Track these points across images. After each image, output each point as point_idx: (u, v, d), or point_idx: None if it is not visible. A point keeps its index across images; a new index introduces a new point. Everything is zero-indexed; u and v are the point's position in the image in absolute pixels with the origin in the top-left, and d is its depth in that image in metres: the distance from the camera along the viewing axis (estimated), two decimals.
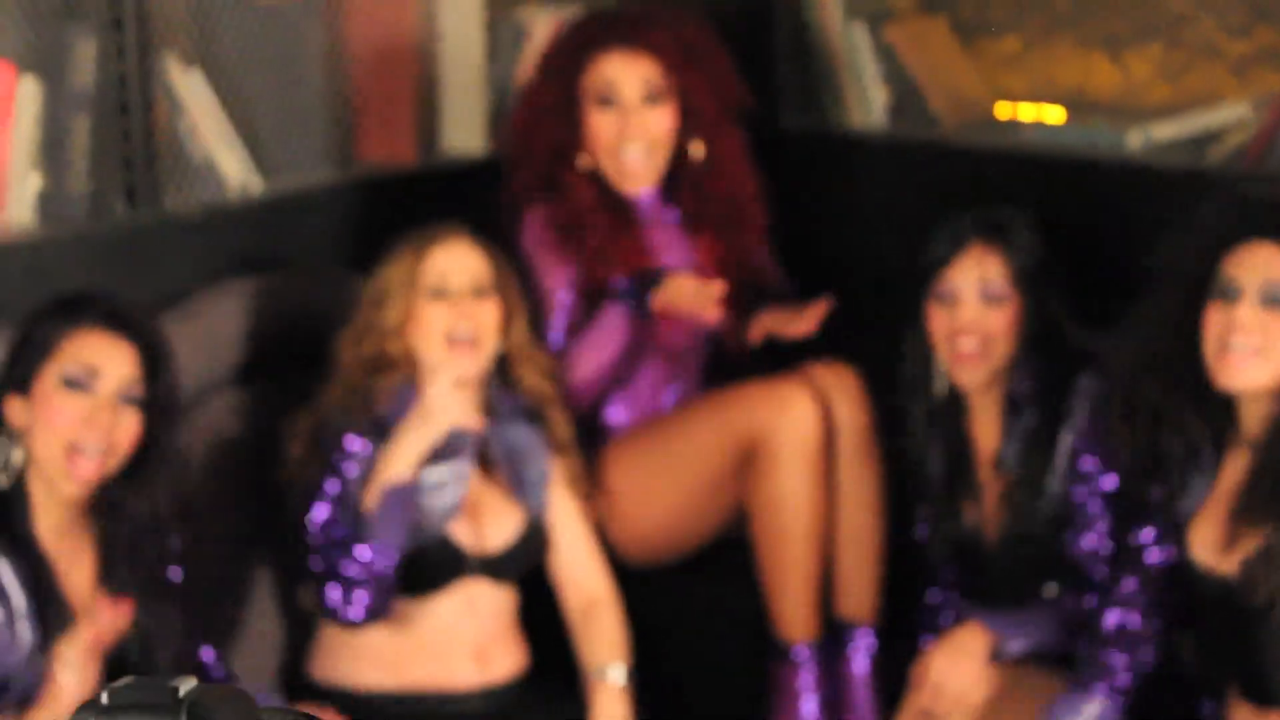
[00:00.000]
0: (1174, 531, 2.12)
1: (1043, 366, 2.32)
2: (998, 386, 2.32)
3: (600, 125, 2.42)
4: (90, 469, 1.93)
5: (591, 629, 2.31)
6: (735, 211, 2.49)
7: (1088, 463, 2.31)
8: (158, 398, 2.02)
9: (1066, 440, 2.32)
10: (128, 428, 1.95)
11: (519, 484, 2.30)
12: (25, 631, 1.92)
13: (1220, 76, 2.67)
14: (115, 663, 2.02)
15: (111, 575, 2.00)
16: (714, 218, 2.47)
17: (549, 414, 2.31)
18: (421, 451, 2.20)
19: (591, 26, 2.50)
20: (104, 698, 0.63)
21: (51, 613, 1.96)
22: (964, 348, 2.26)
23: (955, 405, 2.32)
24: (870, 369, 2.46)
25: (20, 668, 1.85)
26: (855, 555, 2.36)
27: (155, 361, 2.06)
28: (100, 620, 2.00)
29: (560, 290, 2.47)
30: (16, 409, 1.94)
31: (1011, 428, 2.34)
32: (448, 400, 2.19)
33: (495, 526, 2.24)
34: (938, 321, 2.26)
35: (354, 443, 2.19)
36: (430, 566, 2.22)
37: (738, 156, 2.47)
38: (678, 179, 2.48)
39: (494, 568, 2.25)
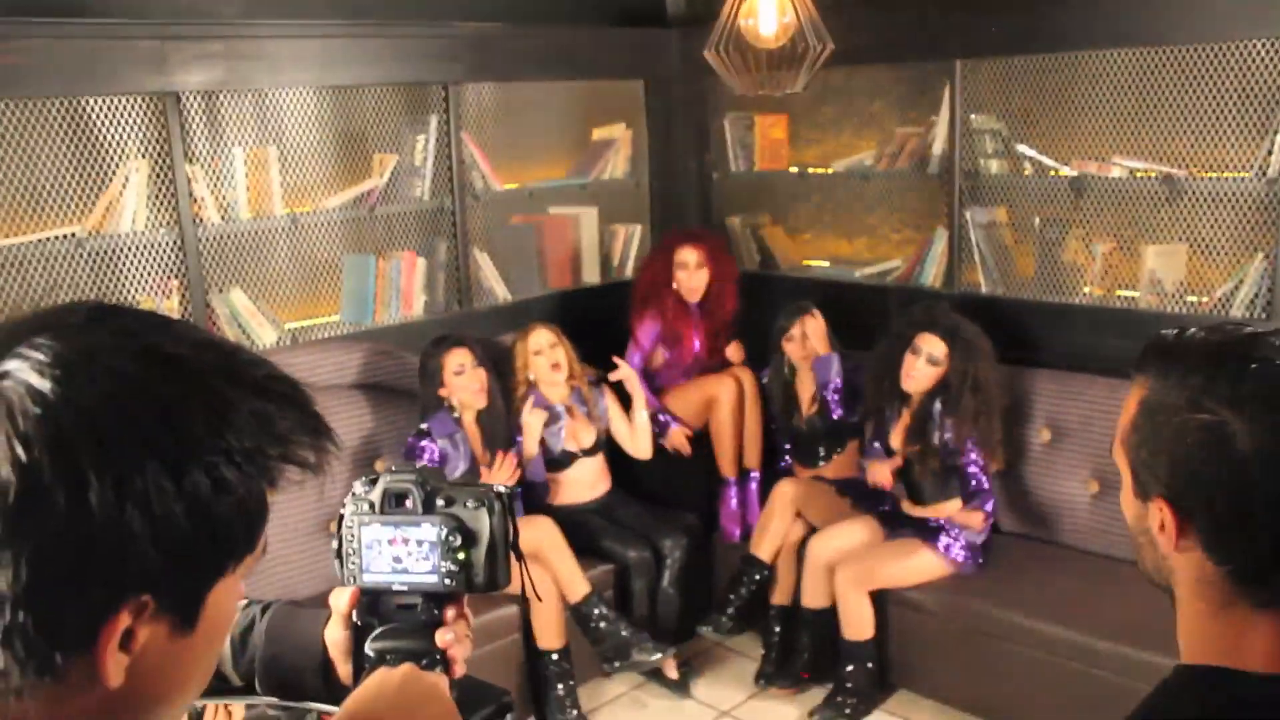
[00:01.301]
0: (885, 435, 3.14)
1: (848, 375, 3.24)
2: (808, 372, 3.31)
3: (681, 278, 3.57)
4: (482, 401, 3.11)
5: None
6: (722, 305, 3.60)
7: (835, 404, 3.29)
8: (487, 360, 3.07)
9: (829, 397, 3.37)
10: (486, 377, 3.11)
11: (589, 416, 3.36)
12: (459, 470, 2.91)
13: (891, 248, 3.83)
14: None
15: (489, 443, 3.18)
16: (715, 309, 3.60)
17: (584, 390, 3.36)
18: (535, 437, 3.20)
19: (674, 237, 3.65)
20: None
21: (470, 461, 3.03)
22: (799, 358, 3.33)
23: (791, 379, 3.41)
24: (758, 369, 3.56)
25: None
26: (751, 441, 3.57)
27: (477, 346, 3.13)
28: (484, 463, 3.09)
29: (645, 342, 3.58)
30: (442, 391, 3.06)
31: (817, 396, 3.38)
32: (530, 420, 3.24)
33: (585, 435, 3.34)
34: (788, 346, 3.37)
35: (526, 411, 3.30)
36: (563, 459, 3.33)
37: (730, 286, 3.61)
38: (707, 294, 3.60)
39: (588, 452, 3.37)
